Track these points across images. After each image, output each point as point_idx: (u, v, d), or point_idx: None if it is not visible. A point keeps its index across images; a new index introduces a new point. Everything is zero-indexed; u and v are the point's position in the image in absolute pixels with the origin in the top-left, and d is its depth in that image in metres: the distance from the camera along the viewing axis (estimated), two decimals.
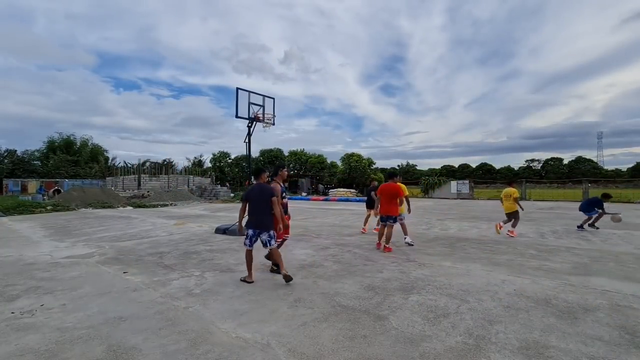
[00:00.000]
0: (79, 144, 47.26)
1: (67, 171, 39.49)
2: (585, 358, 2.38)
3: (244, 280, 4.32)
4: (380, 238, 6.43)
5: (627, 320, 3.02)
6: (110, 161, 51.82)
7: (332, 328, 2.90)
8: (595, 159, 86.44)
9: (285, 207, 4.88)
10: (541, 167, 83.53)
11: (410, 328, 2.90)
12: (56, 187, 27.62)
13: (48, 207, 16.60)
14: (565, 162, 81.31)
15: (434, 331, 2.83)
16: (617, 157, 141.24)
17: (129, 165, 40.10)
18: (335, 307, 3.41)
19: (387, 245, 6.19)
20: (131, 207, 18.57)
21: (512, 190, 8.12)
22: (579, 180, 29.73)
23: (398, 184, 6.41)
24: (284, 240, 5.21)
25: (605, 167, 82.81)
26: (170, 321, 3.08)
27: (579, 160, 79.53)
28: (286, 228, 4.86)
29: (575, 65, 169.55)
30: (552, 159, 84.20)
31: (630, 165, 77.28)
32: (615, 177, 64.89)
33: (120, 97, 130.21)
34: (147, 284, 4.28)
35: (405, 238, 6.80)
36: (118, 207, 18.54)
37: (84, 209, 17.23)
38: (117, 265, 5.27)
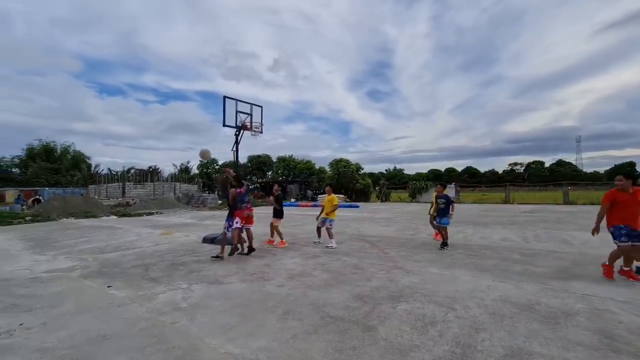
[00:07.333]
0: (59, 151, 45.98)
1: (48, 179, 38.28)
2: None
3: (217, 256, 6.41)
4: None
5: (605, 324, 3.12)
6: (93, 168, 50.61)
7: (321, 340, 2.90)
8: (574, 162, 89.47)
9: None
10: (524, 170, 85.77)
11: (399, 338, 2.92)
12: (36, 196, 26.69)
13: (27, 218, 16.04)
14: (547, 165, 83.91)
15: (422, 340, 2.87)
16: (595, 160, 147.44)
17: (113, 172, 39.28)
18: (324, 318, 3.41)
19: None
20: (115, 216, 18.13)
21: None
22: (559, 183, 30.64)
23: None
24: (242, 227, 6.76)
25: (585, 170, 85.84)
26: (156, 338, 3.02)
27: (560, 163, 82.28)
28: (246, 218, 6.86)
29: (553, 71, 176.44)
30: (534, 162, 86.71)
31: (608, 168, 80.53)
32: (594, 179, 67.16)
33: (105, 102, 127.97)
34: (132, 298, 4.18)
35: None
36: (101, 216, 18.08)
37: (65, 219, 16.71)
38: (100, 279, 5.13)
